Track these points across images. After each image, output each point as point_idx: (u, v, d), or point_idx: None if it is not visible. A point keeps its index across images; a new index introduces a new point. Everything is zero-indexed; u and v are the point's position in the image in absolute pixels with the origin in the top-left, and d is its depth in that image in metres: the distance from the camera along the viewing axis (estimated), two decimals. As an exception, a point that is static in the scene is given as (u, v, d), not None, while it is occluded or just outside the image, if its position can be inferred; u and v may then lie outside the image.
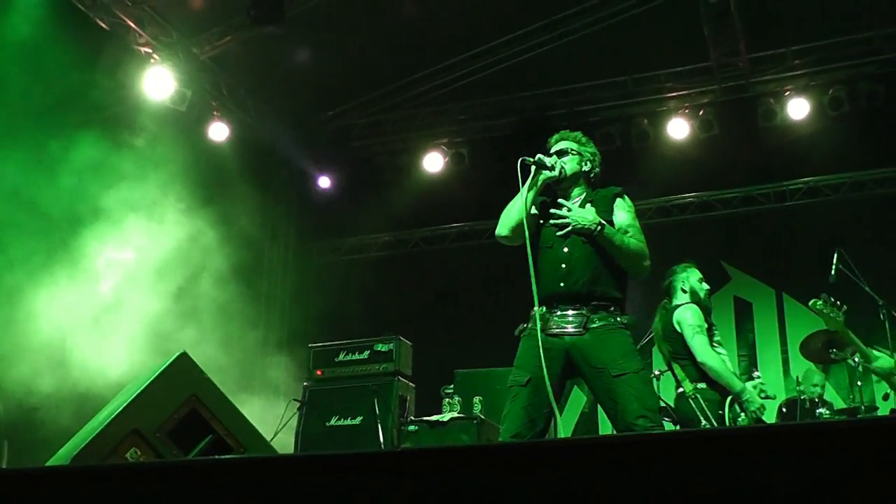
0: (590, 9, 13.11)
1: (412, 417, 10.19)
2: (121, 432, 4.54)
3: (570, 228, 5.85)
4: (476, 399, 10.13)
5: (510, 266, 14.47)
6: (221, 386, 4.99)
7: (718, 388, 7.65)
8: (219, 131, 13.75)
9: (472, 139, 15.00)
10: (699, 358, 7.71)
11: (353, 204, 15.46)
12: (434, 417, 9.95)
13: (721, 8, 12.18)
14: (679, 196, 14.42)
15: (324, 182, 15.72)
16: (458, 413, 9.96)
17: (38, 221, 10.26)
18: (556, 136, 6.45)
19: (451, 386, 10.51)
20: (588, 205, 6.00)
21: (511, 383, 5.83)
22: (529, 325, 5.95)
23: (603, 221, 5.79)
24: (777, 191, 13.97)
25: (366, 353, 10.54)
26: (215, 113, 13.80)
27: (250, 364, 13.03)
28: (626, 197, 6.23)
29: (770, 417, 10.96)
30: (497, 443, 5.27)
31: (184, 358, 4.59)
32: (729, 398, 7.53)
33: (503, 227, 6.20)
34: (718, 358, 7.70)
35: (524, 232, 5.91)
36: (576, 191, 6.19)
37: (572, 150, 6.25)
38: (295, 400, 10.66)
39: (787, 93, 13.48)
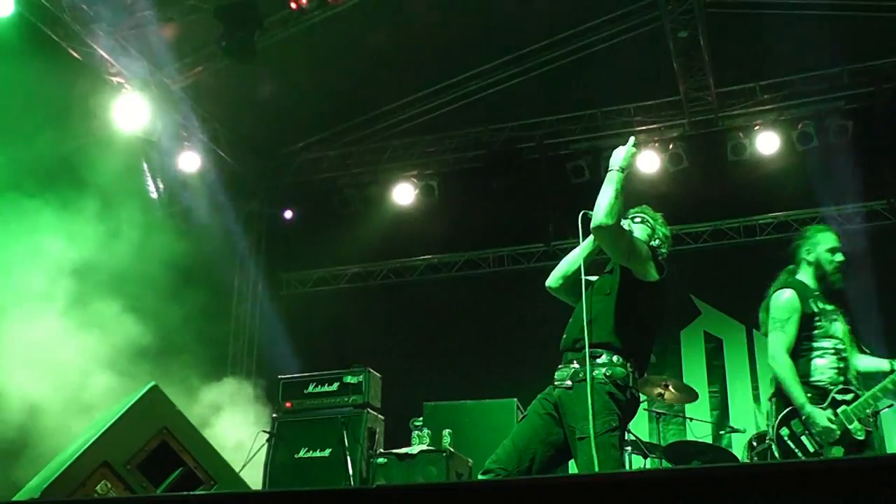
0: (558, 42, 13.17)
1: (381, 450, 10.12)
2: (91, 465, 4.48)
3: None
4: (445, 432, 10.07)
5: (479, 299, 14.56)
6: (191, 418, 4.93)
7: (785, 398, 6.78)
8: (189, 162, 13.68)
9: (442, 171, 14.99)
10: (768, 358, 6.94)
11: (323, 235, 15.42)
12: (403, 450, 9.88)
13: (690, 42, 12.26)
14: (649, 230, 14.41)
15: (288, 214, 15.68)
16: (428, 446, 9.89)
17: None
18: (636, 209, 6.56)
19: (421, 418, 10.46)
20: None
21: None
22: None
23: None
24: (747, 225, 14.03)
25: (335, 385, 10.48)
26: (186, 143, 13.74)
27: (219, 395, 12.91)
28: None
29: (739, 451, 10.98)
30: (463, 482, 5.23)
31: (154, 390, 4.54)
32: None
33: (553, 276, 6.49)
34: (786, 362, 6.77)
35: (573, 284, 6.25)
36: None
37: (647, 220, 6.43)
38: (264, 431, 10.58)
39: (757, 127, 13.54)
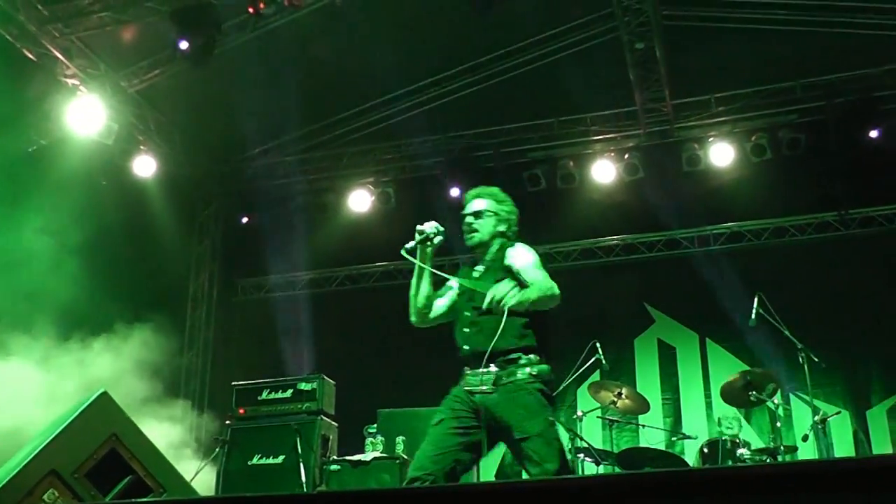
0: (517, 51, 13.22)
1: (334, 457, 10.12)
2: (38, 473, 4.44)
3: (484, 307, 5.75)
4: (399, 439, 10.07)
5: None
6: (144, 425, 4.90)
7: None
8: (144, 166, 13.59)
9: (399, 179, 15.00)
10: None
11: (278, 241, 15.36)
12: (356, 457, 9.88)
13: (647, 54, 12.34)
14: (604, 238, 14.53)
15: (245, 219, 15.62)
16: (381, 453, 9.91)
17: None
18: (473, 193, 6.52)
19: (374, 425, 10.46)
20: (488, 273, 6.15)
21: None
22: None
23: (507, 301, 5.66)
24: (701, 235, 14.13)
25: (289, 392, 10.47)
26: (141, 147, 13.67)
27: (173, 401, 12.85)
28: (520, 244, 6.26)
29: (691, 458, 11.06)
30: (410, 487, 5.18)
31: (104, 397, 4.51)
32: None
33: (418, 313, 6.39)
34: None
35: (451, 306, 6.26)
36: (490, 253, 6.29)
37: (489, 211, 6.36)
38: (216, 438, 10.54)
39: (711, 139, 13.66)
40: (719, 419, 10.94)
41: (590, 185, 14.20)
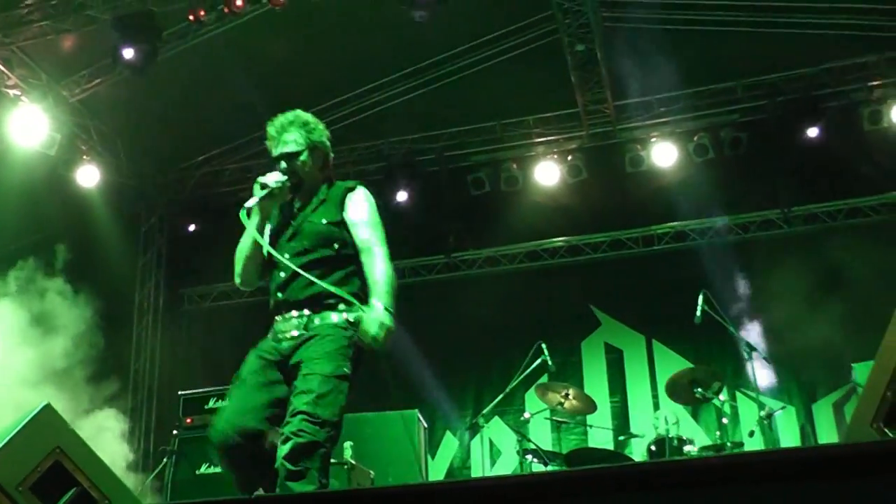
0: (458, 54, 13.23)
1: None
2: (-20, 487, 4.40)
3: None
4: (346, 444, 10.02)
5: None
6: (90, 436, 4.87)
7: None
8: (88, 175, 13.47)
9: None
10: None
11: (223, 249, 15.22)
12: (304, 463, 9.84)
13: (587, 56, 12.40)
14: (548, 240, 14.57)
15: (190, 228, 15.48)
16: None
17: None
18: (276, 127, 5.73)
19: (321, 431, 10.42)
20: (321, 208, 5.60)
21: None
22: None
23: (388, 309, 5.27)
24: (645, 235, 14.21)
25: (236, 399, 10.43)
26: (84, 157, 13.55)
27: (120, 412, 12.75)
28: (362, 190, 5.72)
29: (639, 457, 11.12)
30: (348, 489, 5.08)
31: (47, 410, 4.48)
32: None
33: (243, 278, 5.82)
34: None
35: (256, 282, 5.84)
36: (314, 200, 5.67)
37: (300, 147, 5.63)
38: (164, 448, 10.49)
39: (653, 139, 13.74)
40: (665, 417, 11.01)
41: (533, 188, 14.25)
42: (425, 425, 11.47)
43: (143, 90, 12.77)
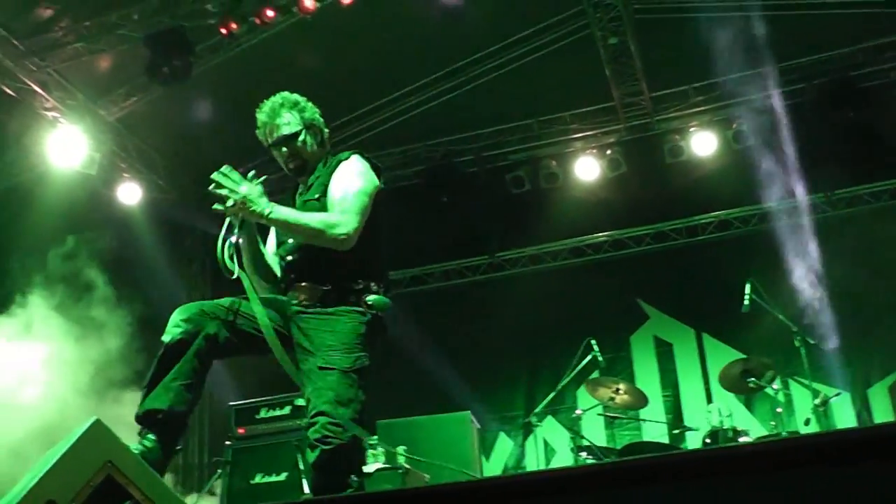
0: (490, 55, 13.17)
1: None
2: (36, 504, 4.41)
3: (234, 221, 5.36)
4: (400, 449, 10.03)
5: (427, 315, 14.53)
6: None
7: None
8: (129, 193, 13.58)
9: (381, 191, 14.93)
10: None
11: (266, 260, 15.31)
12: (359, 469, 9.83)
13: (621, 49, 12.34)
14: (591, 236, 14.52)
15: (233, 239, 15.46)
16: (383, 463, 9.86)
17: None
18: (267, 112, 5.62)
19: (374, 437, 10.41)
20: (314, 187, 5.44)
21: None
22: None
23: (272, 210, 5.15)
24: (688, 226, 14.12)
25: (287, 409, 10.40)
26: (124, 175, 13.64)
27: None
28: (354, 158, 5.46)
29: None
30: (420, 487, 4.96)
31: (97, 425, 4.47)
32: None
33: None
34: None
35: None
36: (311, 178, 5.56)
37: (298, 128, 5.55)
38: (218, 460, 10.50)
39: (692, 129, 13.64)
40: (719, 409, 10.90)
41: (574, 183, 14.19)
42: (478, 426, 11.43)
43: (180, 105, 12.83)
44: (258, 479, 10.14)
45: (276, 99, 5.63)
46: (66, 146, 12.28)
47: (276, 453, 10.13)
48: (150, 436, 4.87)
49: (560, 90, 13.69)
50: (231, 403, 10.95)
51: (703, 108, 13.72)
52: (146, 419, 4.90)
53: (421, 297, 14.98)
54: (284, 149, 5.55)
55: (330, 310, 5.10)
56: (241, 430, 10.53)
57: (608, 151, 13.97)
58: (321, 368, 4.93)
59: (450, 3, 11.19)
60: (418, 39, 12.76)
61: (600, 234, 14.49)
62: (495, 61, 13.26)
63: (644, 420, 11.92)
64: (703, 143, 13.52)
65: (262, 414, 10.51)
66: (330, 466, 4.77)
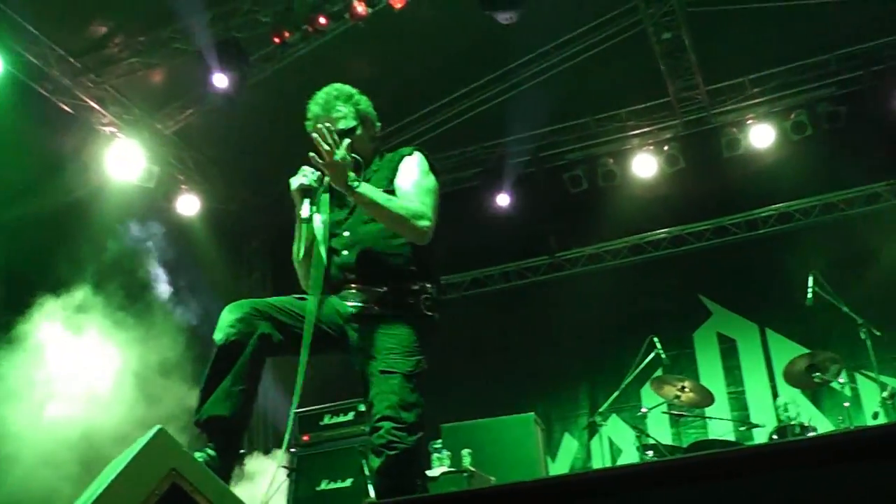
0: (542, 55, 13.13)
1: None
2: (103, 514, 4.44)
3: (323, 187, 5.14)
4: (465, 452, 10.02)
5: (487, 317, 14.51)
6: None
7: None
8: (188, 205, 13.72)
9: (440, 193, 14.90)
10: None
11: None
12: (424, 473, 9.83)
13: (675, 43, 12.26)
14: (651, 233, 14.44)
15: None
16: (448, 467, 9.85)
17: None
18: (320, 104, 5.42)
19: (439, 441, 10.40)
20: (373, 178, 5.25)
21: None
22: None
23: (361, 184, 4.92)
24: (749, 219, 13.98)
25: (350, 415, 10.43)
26: (183, 187, 13.77)
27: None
28: (418, 154, 5.37)
29: (761, 446, 10.91)
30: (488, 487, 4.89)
31: (161, 434, 4.50)
32: None
33: (302, 278, 5.45)
34: None
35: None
36: (368, 172, 5.34)
37: (354, 122, 5.35)
38: (284, 467, 10.54)
39: (749, 121, 13.52)
40: (785, 405, 10.79)
41: (632, 181, 14.12)
42: (543, 427, 11.40)
43: (237, 116, 12.90)
44: (323, 485, 10.17)
45: (331, 90, 5.45)
46: (124, 160, 12.41)
47: (340, 459, 10.16)
48: (212, 443, 4.83)
49: (615, 87, 13.65)
50: (294, 410, 10.97)
51: (760, 100, 13.59)
52: (209, 426, 4.84)
53: (482, 300, 14.99)
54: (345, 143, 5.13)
55: (388, 313, 5.00)
56: (305, 437, 10.57)
57: (665, 147, 13.89)
58: (383, 372, 4.86)
59: (505, 19, 11.15)
60: (472, 41, 12.75)
61: (660, 231, 14.40)
62: (549, 61, 13.23)
63: (710, 417, 11.82)
64: (760, 136, 13.39)
65: (326, 420, 10.55)
66: (395, 471, 4.74)
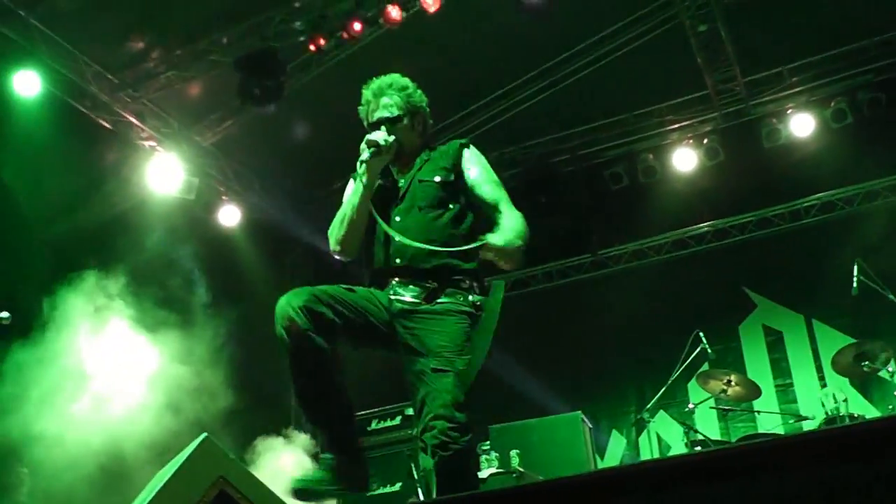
0: (579, 52, 13.08)
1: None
2: (151, 522, 4.47)
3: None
4: (513, 452, 10.03)
5: (531, 317, 14.50)
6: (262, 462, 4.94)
7: None
8: (228, 215, 13.80)
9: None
10: None
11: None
12: (473, 475, 9.84)
13: (711, 35, 12.21)
14: (693, 227, 14.35)
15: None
16: (497, 468, 9.86)
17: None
18: (373, 90, 5.49)
19: (487, 442, 10.42)
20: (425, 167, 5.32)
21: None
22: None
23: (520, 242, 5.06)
24: (791, 210, 13.86)
25: (398, 419, 10.49)
26: (223, 198, 13.86)
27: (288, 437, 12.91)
28: (472, 147, 5.46)
29: (812, 439, 10.80)
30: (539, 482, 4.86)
31: (207, 442, 4.54)
32: None
33: (334, 242, 5.38)
34: None
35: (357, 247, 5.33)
36: (417, 162, 5.38)
37: (400, 111, 5.41)
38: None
39: (789, 111, 13.41)
40: (833, 395, 10.71)
41: (672, 175, 14.07)
42: (590, 426, 11.38)
43: (274, 125, 12.97)
44: (374, 489, 10.22)
45: (386, 79, 5.51)
46: (163, 173, 12.52)
47: (389, 464, 10.21)
48: (329, 454, 4.96)
49: (653, 82, 13.59)
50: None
51: (798, 90, 13.47)
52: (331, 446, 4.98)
53: (526, 300, 14.95)
54: (382, 130, 5.30)
55: (439, 309, 4.96)
56: (353, 443, 10.57)
57: (705, 140, 13.82)
58: (435, 370, 4.82)
59: (534, 4, 11.10)
60: (507, 42, 12.74)
61: (702, 225, 14.32)
62: (585, 59, 13.16)
63: (758, 412, 11.74)
64: (800, 125, 13.28)
65: (374, 425, 10.61)
66: (450, 472, 4.69)
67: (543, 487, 2.92)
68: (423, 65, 12.39)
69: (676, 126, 14.08)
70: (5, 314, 7.80)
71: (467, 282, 5.06)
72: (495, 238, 4.94)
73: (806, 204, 13.78)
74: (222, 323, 11.99)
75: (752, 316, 13.57)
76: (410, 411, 10.39)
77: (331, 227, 5.35)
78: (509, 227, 5.10)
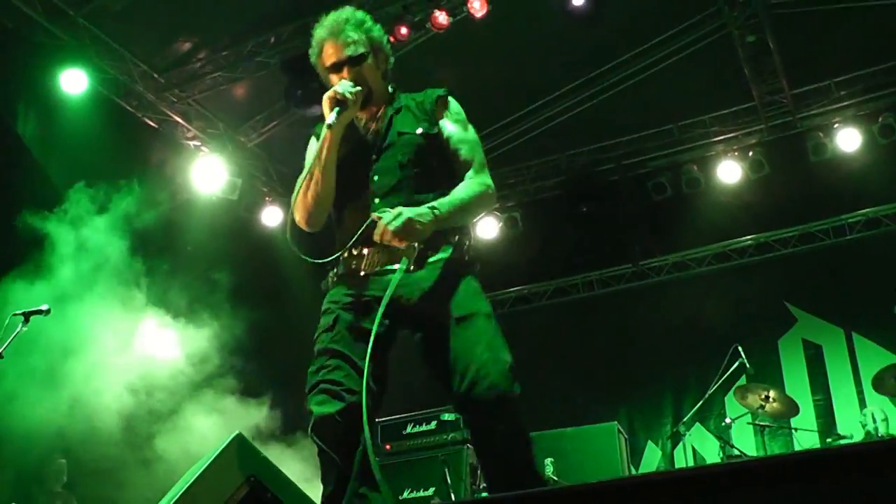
0: (627, 61, 13.03)
1: (484, 484, 10.08)
2: (182, 519, 4.47)
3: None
4: (548, 461, 10.00)
5: (571, 326, 14.45)
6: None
7: None
8: (271, 216, 13.85)
9: (524, 202, 14.93)
10: None
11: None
12: (507, 483, 9.81)
13: (759, 47, 12.13)
14: (736, 240, 14.28)
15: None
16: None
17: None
18: (328, 28, 4.71)
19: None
20: (398, 116, 4.76)
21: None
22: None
23: (436, 207, 4.34)
24: (835, 225, 13.76)
25: (433, 424, 10.46)
26: (266, 198, 13.92)
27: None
28: (451, 99, 4.87)
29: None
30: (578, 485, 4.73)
31: (239, 439, 4.53)
32: None
33: (302, 214, 4.80)
34: None
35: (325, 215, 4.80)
36: (388, 111, 4.81)
37: (365, 49, 4.71)
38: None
39: (836, 125, 13.29)
40: (872, 414, 10.61)
41: (716, 187, 13.99)
42: (626, 436, 11.33)
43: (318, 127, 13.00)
44: (406, 494, 10.20)
45: (342, 14, 4.74)
46: (208, 173, 12.61)
47: (423, 469, 10.19)
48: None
49: (699, 93, 13.52)
50: (378, 419, 11.04)
51: (846, 104, 13.35)
52: None
53: (565, 309, 14.94)
54: (346, 73, 4.68)
55: (440, 271, 4.48)
56: (387, 447, 10.61)
57: (750, 153, 13.73)
58: (460, 320, 4.36)
59: (579, 8, 11.06)
60: (553, 50, 12.74)
61: (745, 238, 14.25)
62: (632, 68, 13.12)
63: (795, 429, 11.64)
64: (847, 140, 13.15)
65: (409, 430, 10.58)
66: (506, 427, 4.35)
67: (581, 490, 2.90)
68: (467, 71, 12.45)
69: (722, 137, 14.00)
70: (45, 307, 7.93)
71: (455, 236, 4.57)
72: (388, 215, 4.25)
73: (850, 220, 13.67)
74: (260, 322, 12.03)
75: (793, 331, 13.47)
76: (446, 416, 10.38)
77: (294, 197, 4.72)
78: (457, 195, 4.49)
